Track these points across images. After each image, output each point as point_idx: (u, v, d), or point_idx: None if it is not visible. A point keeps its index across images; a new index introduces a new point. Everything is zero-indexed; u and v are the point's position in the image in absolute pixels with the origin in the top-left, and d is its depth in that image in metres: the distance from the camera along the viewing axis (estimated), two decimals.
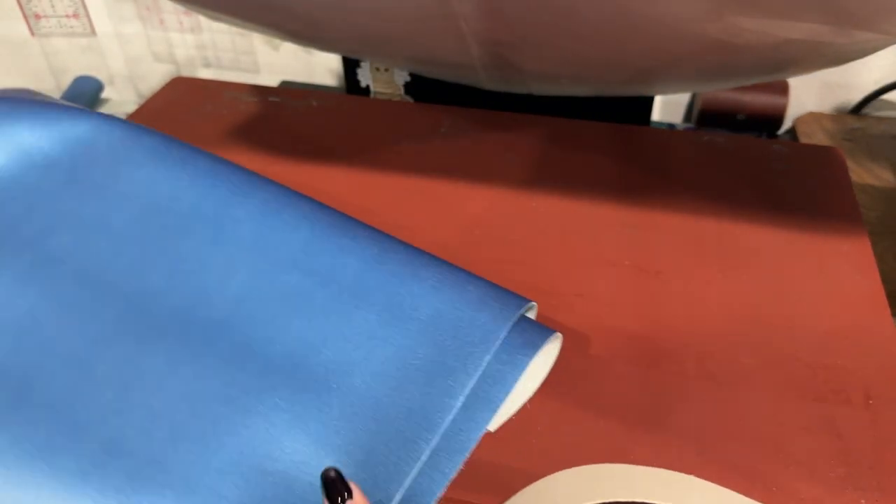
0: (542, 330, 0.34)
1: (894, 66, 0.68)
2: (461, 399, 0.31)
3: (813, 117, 0.71)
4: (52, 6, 0.87)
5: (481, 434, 0.31)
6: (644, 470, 0.31)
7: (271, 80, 0.86)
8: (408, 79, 0.64)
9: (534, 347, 0.33)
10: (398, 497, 0.29)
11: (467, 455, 0.30)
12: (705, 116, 0.71)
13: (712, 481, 0.31)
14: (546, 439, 0.33)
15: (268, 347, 0.32)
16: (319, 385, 0.31)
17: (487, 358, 0.31)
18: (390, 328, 0.32)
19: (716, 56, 0.40)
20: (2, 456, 0.28)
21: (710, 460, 0.32)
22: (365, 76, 0.66)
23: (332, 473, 0.27)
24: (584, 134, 0.55)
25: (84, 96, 0.89)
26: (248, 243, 0.35)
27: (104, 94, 0.92)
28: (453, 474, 0.30)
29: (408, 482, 0.29)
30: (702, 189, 0.49)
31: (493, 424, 0.32)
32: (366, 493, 0.28)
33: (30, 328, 0.32)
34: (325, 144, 0.54)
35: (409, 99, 0.66)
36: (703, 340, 0.38)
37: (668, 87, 0.60)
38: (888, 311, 0.40)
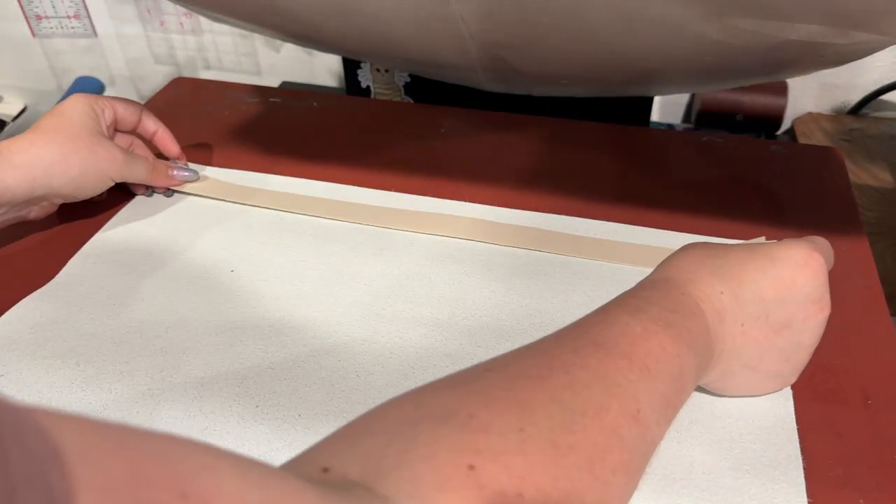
0: None
1: (893, 66, 0.68)
2: None
3: (811, 118, 0.71)
4: (54, 7, 0.88)
5: None
6: None
7: (272, 82, 0.86)
8: (408, 79, 0.65)
9: None
10: None
11: None
12: (704, 117, 0.71)
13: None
14: None
15: None
16: None
17: None
18: None
19: (715, 57, 0.41)
20: None
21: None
22: (365, 77, 0.66)
23: None
24: (584, 134, 0.55)
25: None
26: None
27: (105, 95, 0.92)
28: None
29: None
30: (701, 189, 0.49)
31: None
32: None
33: None
34: (326, 145, 0.54)
35: (409, 99, 0.66)
36: None
37: (668, 88, 0.61)
38: (887, 311, 0.40)
